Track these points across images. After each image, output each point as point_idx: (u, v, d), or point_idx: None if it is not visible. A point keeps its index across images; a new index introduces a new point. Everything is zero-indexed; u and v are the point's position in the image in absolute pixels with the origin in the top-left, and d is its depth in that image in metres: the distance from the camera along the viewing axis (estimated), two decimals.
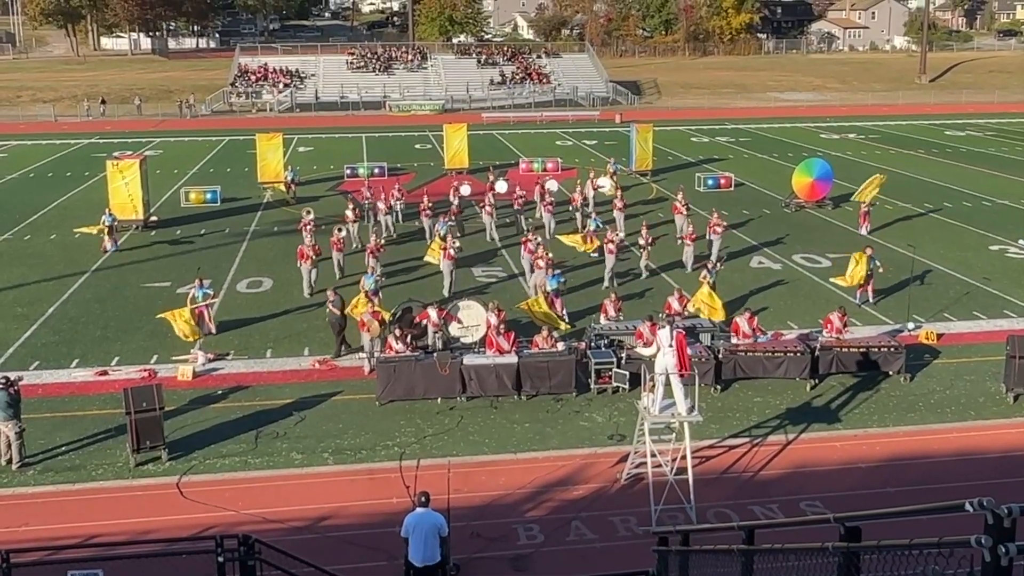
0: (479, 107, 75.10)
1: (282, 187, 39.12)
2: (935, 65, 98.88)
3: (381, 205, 31.97)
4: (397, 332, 19.12)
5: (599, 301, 22.50)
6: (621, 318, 21.22)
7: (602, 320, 21.27)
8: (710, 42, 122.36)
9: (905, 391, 19.06)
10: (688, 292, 24.70)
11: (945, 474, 15.54)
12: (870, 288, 24.37)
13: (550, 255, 24.85)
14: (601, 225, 28.78)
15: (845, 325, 20.22)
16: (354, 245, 29.38)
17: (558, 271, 23.66)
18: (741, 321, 19.93)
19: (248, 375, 19.99)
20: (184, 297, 22.92)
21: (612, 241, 25.95)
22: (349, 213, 30.85)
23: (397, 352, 18.68)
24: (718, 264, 25.48)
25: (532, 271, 25.15)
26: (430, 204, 31.24)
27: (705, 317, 21.44)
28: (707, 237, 28.23)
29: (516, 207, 32.20)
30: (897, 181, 42.36)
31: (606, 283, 25.53)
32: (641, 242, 26.79)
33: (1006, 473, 15.56)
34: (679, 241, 27.72)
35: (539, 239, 26.49)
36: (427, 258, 26.79)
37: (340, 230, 27.43)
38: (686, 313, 21.36)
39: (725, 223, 29.07)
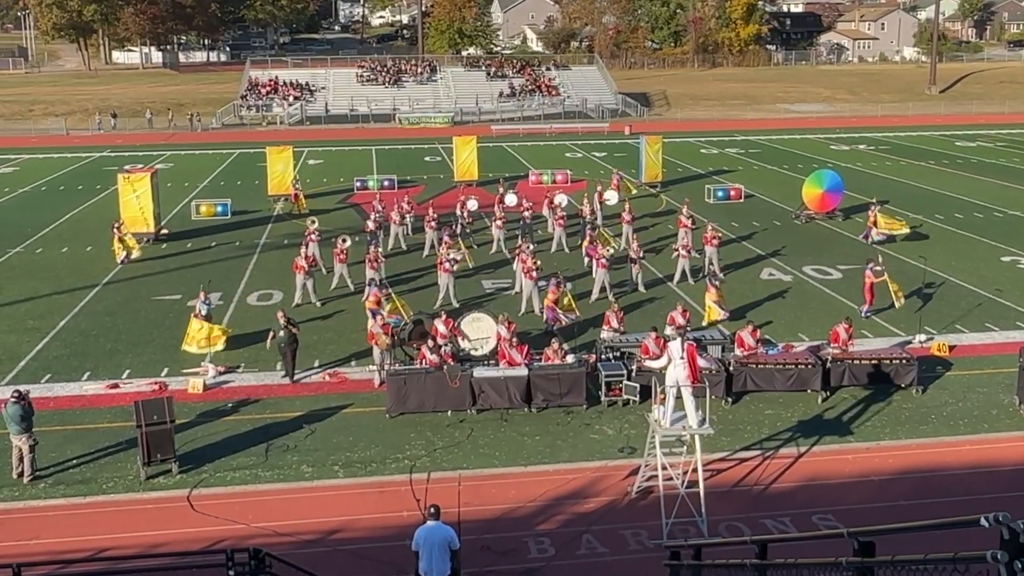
0: (488, 119, 75.27)
1: (299, 196, 39.38)
2: (945, 76, 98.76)
3: (395, 215, 32.08)
4: (432, 343, 19.20)
5: (600, 312, 22.47)
6: (623, 329, 21.21)
7: (604, 332, 21.21)
8: (719, 54, 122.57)
9: (917, 403, 18.96)
10: (694, 302, 24.71)
11: (958, 487, 15.44)
12: (869, 300, 24.24)
13: (539, 263, 24.96)
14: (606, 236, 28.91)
15: (851, 337, 20.13)
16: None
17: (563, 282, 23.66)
18: (744, 334, 19.89)
19: (258, 388, 20.00)
20: (192, 311, 23.02)
21: (604, 256, 25.90)
22: (370, 223, 31.03)
23: (431, 362, 18.69)
24: (718, 274, 25.32)
25: (523, 280, 25.27)
26: (435, 216, 31.30)
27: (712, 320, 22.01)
28: (703, 249, 28.22)
29: (524, 220, 32.19)
30: (907, 193, 42.36)
31: (595, 296, 25.42)
32: (632, 255, 26.79)
33: (1020, 486, 15.43)
34: (674, 254, 27.74)
35: (530, 247, 26.54)
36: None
37: (344, 241, 27.43)
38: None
39: (720, 235, 29.08)
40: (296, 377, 20.25)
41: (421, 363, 18.90)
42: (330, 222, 35.07)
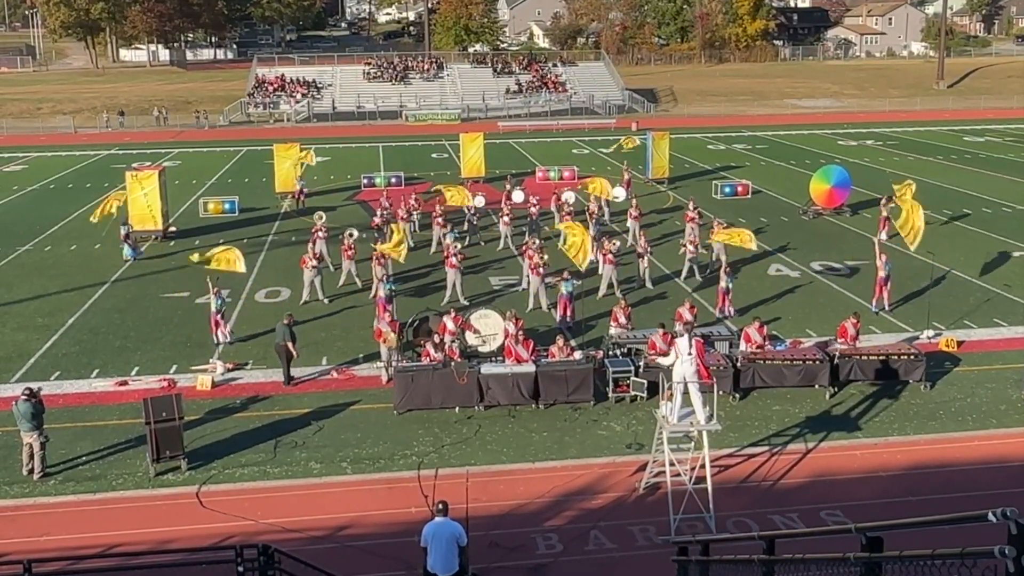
0: (495, 116, 75.27)
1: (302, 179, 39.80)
2: (953, 71, 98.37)
3: (402, 212, 32.12)
4: (436, 339, 19.22)
5: (608, 309, 22.45)
6: (631, 325, 21.18)
7: (612, 328, 21.18)
8: (726, 49, 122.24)
9: (925, 399, 18.93)
10: (700, 299, 24.71)
11: (967, 483, 15.41)
12: (886, 295, 24.23)
13: (546, 259, 24.93)
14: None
15: (859, 332, 20.08)
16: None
17: (572, 277, 23.67)
18: (751, 330, 19.88)
19: (267, 385, 20.06)
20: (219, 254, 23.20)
21: (610, 251, 25.88)
22: (377, 220, 31.06)
23: (436, 359, 18.70)
24: (728, 269, 25.22)
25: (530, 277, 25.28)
26: (442, 213, 31.32)
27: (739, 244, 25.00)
28: (711, 246, 28.14)
29: (531, 217, 32.21)
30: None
31: (602, 292, 25.39)
32: (639, 250, 26.75)
33: None
34: (681, 250, 27.72)
35: (537, 243, 26.51)
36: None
37: (351, 236, 27.42)
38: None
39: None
40: (301, 375, 20.22)
41: (427, 361, 18.92)
42: (337, 219, 35.11)
